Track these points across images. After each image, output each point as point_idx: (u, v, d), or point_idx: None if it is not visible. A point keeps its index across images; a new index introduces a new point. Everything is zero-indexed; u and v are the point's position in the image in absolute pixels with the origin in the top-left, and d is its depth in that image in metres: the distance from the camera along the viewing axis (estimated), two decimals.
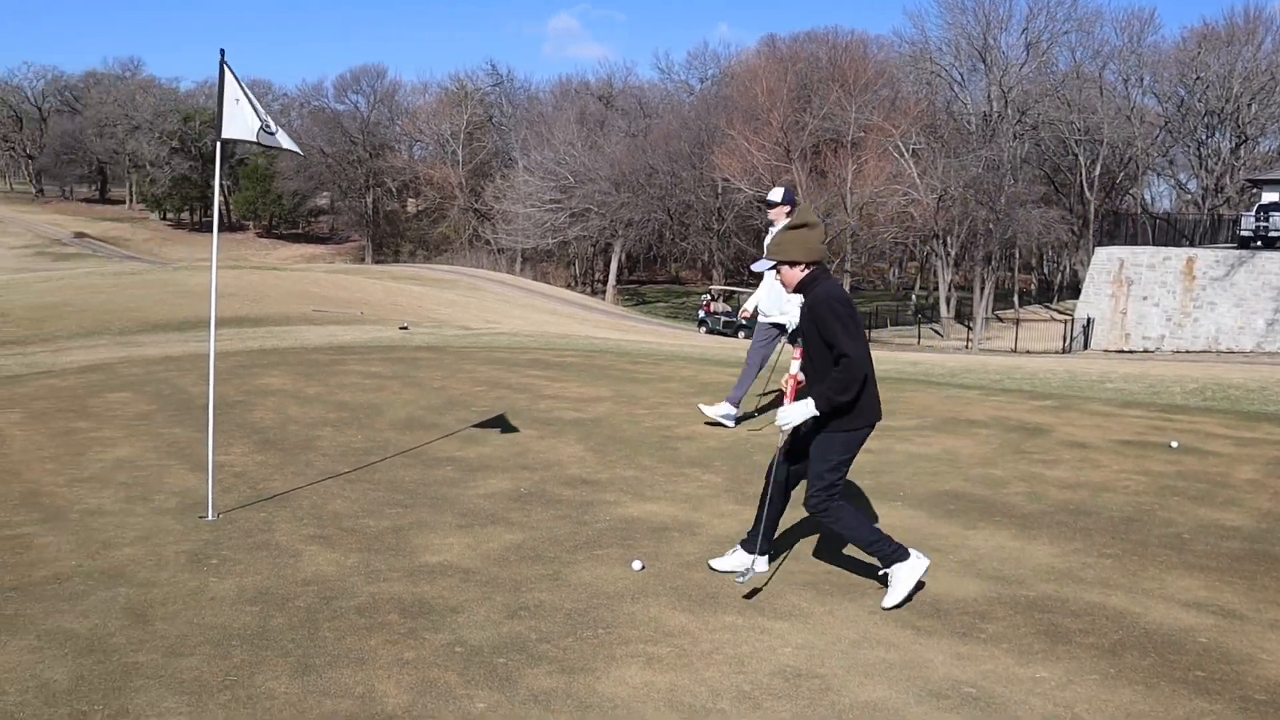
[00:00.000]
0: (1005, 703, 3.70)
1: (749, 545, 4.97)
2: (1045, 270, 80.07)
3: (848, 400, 4.57)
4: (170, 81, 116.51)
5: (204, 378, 10.51)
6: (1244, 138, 61.06)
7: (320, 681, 3.75)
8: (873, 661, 4.00)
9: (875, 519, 6.04)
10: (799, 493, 4.88)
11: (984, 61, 61.87)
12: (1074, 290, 70.71)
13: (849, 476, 5.01)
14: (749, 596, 4.70)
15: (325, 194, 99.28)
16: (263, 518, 5.94)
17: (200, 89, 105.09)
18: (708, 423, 8.91)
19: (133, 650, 3.95)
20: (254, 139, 5.72)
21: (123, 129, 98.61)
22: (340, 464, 7.44)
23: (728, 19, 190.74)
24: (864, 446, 4.87)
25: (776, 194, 8.74)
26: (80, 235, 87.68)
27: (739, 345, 24.16)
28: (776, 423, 4.59)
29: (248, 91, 5.69)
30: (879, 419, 4.85)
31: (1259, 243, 40.42)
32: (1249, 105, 59.44)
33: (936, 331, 54.63)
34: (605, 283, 73.25)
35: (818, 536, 5.62)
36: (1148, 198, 72.24)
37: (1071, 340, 44.18)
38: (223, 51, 5.62)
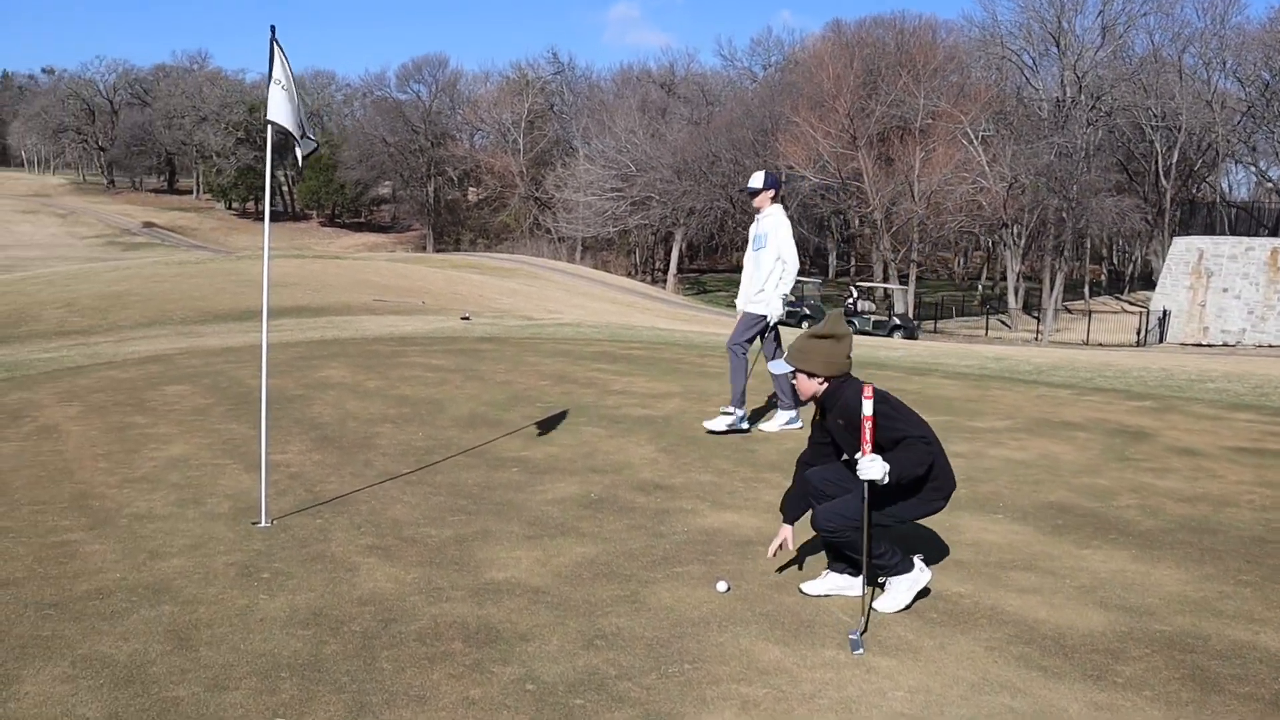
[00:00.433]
0: None
1: (842, 566, 4.50)
2: (1115, 260, 78.07)
3: (919, 474, 4.29)
4: (236, 73, 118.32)
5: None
6: None
7: None
8: (999, 711, 3.50)
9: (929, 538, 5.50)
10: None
11: (1057, 45, 60.19)
12: (1145, 281, 68.84)
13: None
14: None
15: (387, 183, 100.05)
16: (318, 525, 5.59)
17: (265, 80, 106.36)
18: (713, 431, 8.14)
19: (173, 682, 3.58)
20: (289, 128, 5.35)
21: (190, 120, 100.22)
22: (400, 464, 7.09)
23: (790, 5, 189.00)
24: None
25: (757, 179, 8.12)
26: (149, 225, 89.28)
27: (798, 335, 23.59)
28: (860, 473, 4.13)
29: (291, 78, 5.33)
30: (953, 488, 4.53)
31: None
32: None
33: (1004, 323, 53.38)
34: (666, 271, 72.76)
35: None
36: (1225, 186, 69.99)
37: (1146, 333, 42.85)
38: (273, 29, 5.25)
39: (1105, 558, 5.15)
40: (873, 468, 4.06)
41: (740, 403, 8.21)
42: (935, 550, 5.16)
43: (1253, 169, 68.84)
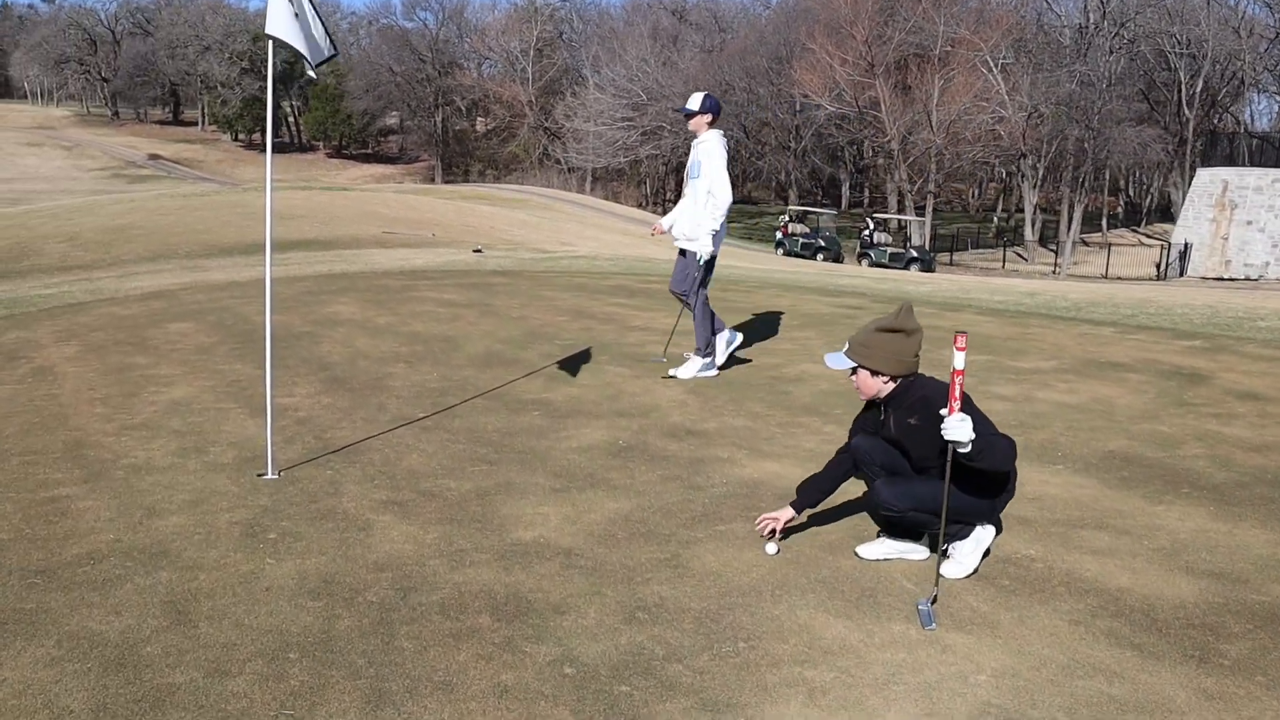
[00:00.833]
0: None
1: (899, 532, 4.08)
2: (1131, 193, 76.79)
3: (1005, 468, 3.84)
4: (239, 1, 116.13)
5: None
6: None
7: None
8: (1098, 700, 3.10)
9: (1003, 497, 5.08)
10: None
11: None
12: (1163, 214, 67.69)
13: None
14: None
15: (394, 114, 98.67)
16: (328, 476, 5.19)
17: None
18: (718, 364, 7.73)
19: (168, 665, 3.19)
20: (288, 40, 4.82)
21: (194, 50, 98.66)
22: (415, 407, 6.68)
23: None
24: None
25: (694, 100, 7.33)
26: (154, 157, 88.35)
27: (829, 270, 23.01)
28: (944, 433, 3.64)
29: None
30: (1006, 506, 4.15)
31: None
32: None
33: (1020, 255, 52.58)
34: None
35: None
36: (1247, 116, 68.47)
37: (1167, 266, 42.09)
38: None
39: (1181, 515, 4.73)
40: (962, 427, 3.59)
41: (711, 343, 7.67)
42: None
43: (1277, 98, 67.31)
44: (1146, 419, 6.48)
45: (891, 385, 3.94)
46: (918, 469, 4.00)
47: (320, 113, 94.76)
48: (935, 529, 3.94)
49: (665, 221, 7.74)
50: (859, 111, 58.35)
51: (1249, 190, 40.70)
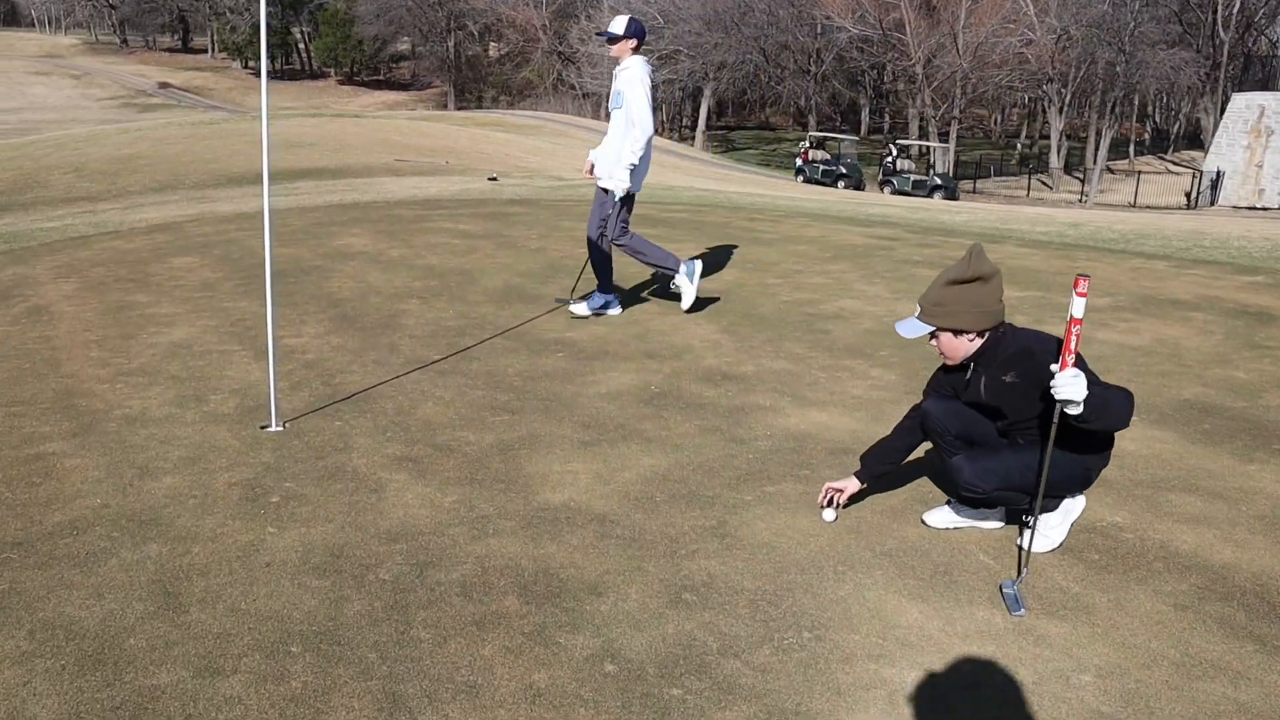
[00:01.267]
0: None
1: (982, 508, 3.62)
2: (1159, 118, 74.95)
3: (1122, 426, 3.25)
4: None
5: (277, 238, 9.38)
6: None
7: None
8: (1224, 709, 2.67)
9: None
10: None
11: None
12: (1191, 140, 66.05)
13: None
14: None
15: (406, 39, 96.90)
16: (337, 428, 4.77)
17: None
18: (688, 307, 7.20)
19: (154, 663, 2.79)
20: None
21: None
22: (429, 348, 6.24)
23: None
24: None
25: (617, 24, 6.63)
26: (164, 85, 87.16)
27: (855, 199, 22.31)
28: (1055, 390, 3.14)
29: None
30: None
31: None
32: None
33: (1045, 183, 51.43)
34: (694, 128, 70.55)
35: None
36: None
37: (1198, 195, 41.00)
38: None
39: (1278, 476, 4.27)
40: (1075, 384, 3.08)
41: (675, 269, 7.11)
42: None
43: None
44: (1219, 363, 5.99)
45: (979, 342, 3.45)
46: (1004, 433, 3.53)
47: (331, 39, 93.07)
48: (1024, 506, 3.50)
49: (591, 156, 7.02)
50: (882, 34, 56.76)
51: None
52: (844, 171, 43.30)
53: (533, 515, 3.80)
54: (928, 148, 47.84)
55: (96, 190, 16.91)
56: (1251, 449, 4.57)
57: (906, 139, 52.98)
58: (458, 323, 6.94)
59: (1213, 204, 39.93)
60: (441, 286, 8.10)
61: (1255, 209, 38.10)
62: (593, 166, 6.96)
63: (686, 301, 7.19)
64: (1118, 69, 50.35)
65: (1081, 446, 3.35)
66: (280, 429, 4.75)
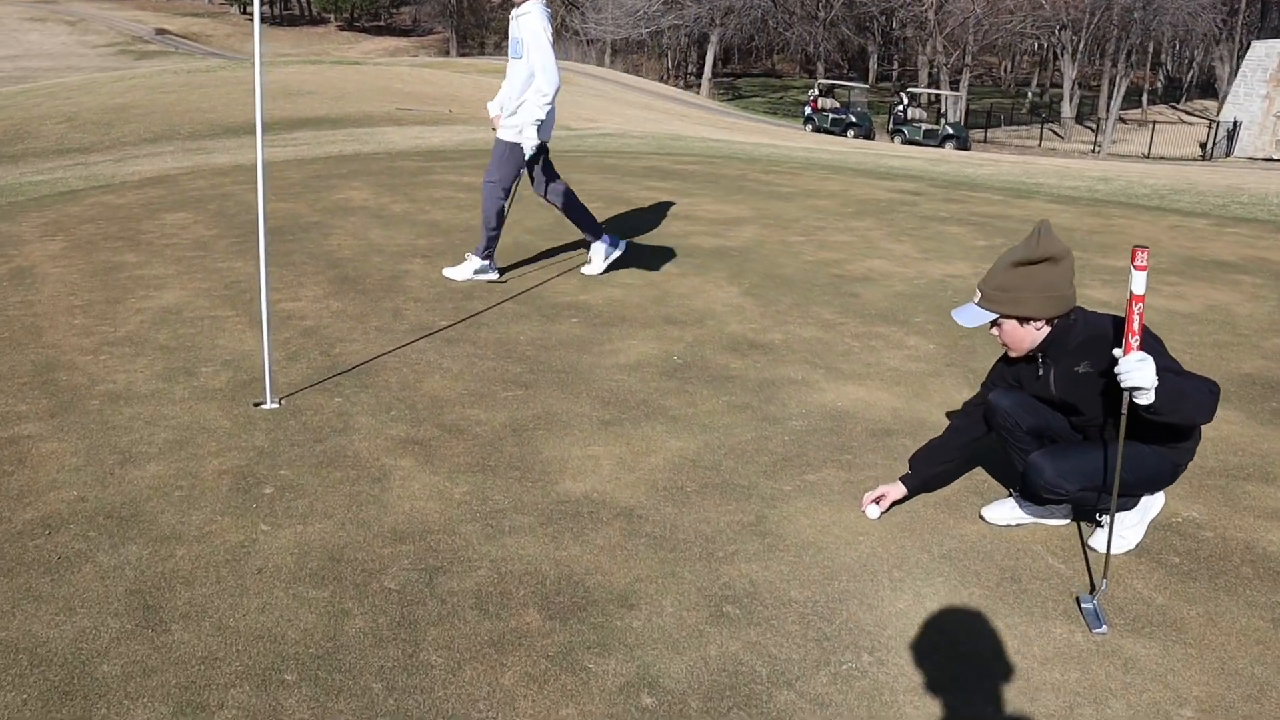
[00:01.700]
0: None
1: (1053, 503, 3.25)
2: (1171, 67, 73.64)
3: (1203, 420, 2.87)
4: None
5: (274, 192, 9.01)
6: None
7: None
8: None
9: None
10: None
11: None
12: (1204, 89, 64.91)
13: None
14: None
15: None
16: (337, 405, 4.41)
17: None
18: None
19: (129, 696, 2.46)
20: None
21: None
22: (435, 314, 5.87)
23: None
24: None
25: None
26: (162, 32, 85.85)
27: (872, 149, 21.78)
28: (1120, 377, 2.76)
29: None
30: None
31: None
32: None
33: (1056, 133, 50.57)
34: (700, 76, 69.45)
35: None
36: None
37: (1213, 146, 40.27)
38: None
39: None
40: (1142, 369, 2.70)
41: (597, 234, 6.70)
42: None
43: None
44: (1276, 332, 5.61)
45: (1047, 330, 3.06)
46: (1079, 428, 3.16)
47: None
48: (1104, 505, 3.14)
49: (492, 107, 6.42)
50: None
51: None
52: (854, 120, 42.48)
53: (552, 509, 3.46)
54: (937, 96, 46.99)
55: (89, 141, 16.45)
56: None
57: (916, 87, 52.07)
58: (464, 285, 6.56)
59: (1228, 155, 39.22)
60: (447, 244, 7.71)
61: (1273, 160, 37.40)
62: (494, 115, 6.41)
63: (591, 269, 6.75)
64: (1135, 14, 49.28)
65: (1167, 438, 2.99)
66: (275, 406, 4.40)
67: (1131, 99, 58.28)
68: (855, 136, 40.81)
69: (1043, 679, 2.57)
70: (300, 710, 2.41)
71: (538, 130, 6.22)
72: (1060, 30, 52.21)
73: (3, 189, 11.08)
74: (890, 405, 4.48)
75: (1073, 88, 52.71)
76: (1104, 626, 2.77)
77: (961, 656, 2.66)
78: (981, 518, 3.40)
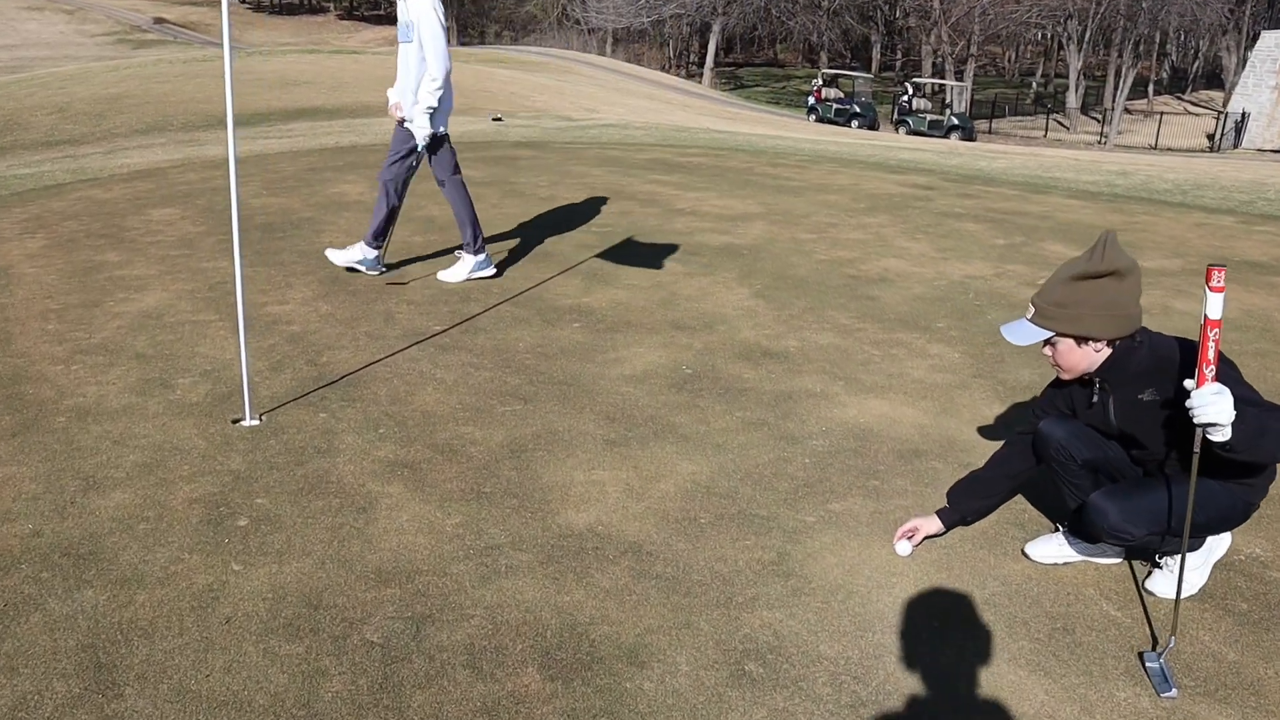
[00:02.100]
0: None
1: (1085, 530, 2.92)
2: (1176, 57, 73.15)
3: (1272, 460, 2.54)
4: None
5: (266, 186, 8.68)
6: None
7: None
8: None
9: None
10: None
11: None
12: (1210, 79, 64.44)
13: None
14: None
15: None
16: (321, 422, 4.10)
17: None
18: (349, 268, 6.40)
19: None
20: None
21: None
22: (429, 318, 5.57)
23: None
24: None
25: None
26: (160, 21, 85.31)
27: (880, 141, 21.42)
28: (1193, 412, 2.43)
29: None
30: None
31: None
32: None
33: (1062, 123, 50.15)
34: (702, 65, 68.98)
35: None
36: None
37: (1221, 137, 39.85)
38: None
39: None
40: (1218, 403, 2.37)
41: (376, 242, 6.26)
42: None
43: None
44: None
45: (1108, 352, 2.74)
46: (1138, 461, 2.85)
47: None
48: (1168, 548, 2.83)
49: (392, 95, 6.04)
50: None
51: None
52: (858, 110, 42.06)
53: (553, 545, 3.15)
54: (942, 86, 46.55)
55: (80, 133, 16.11)
56: None
57: (920, 77, 51.65)
58: (461, 286, 6.25)
59: (1236, 146, 38.83)
60: (443, 242, 7.39)
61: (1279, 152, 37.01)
62: (393, 105, 6.02)
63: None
64: (1142, 3, 48.82)
65: (1239, 474, 2.68)
66: (255, 423, 4.09)
67: (1136, 89, 57.81)
68: (859, 127, 40.42)
69: None
70: None
71: (431, 119, 5.88)
72: (1066, 20, 51.76)
73: None
74: (916, 422, 4.17)
75: (1078, 78, 52.28)
76: (1173, 690, 2.46)
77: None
78: (1025, 555, 3.09)
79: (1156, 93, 61.13)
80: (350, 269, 6.44)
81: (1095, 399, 2.82)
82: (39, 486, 3.50)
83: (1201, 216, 8.61)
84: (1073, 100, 51.69)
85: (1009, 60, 75.61)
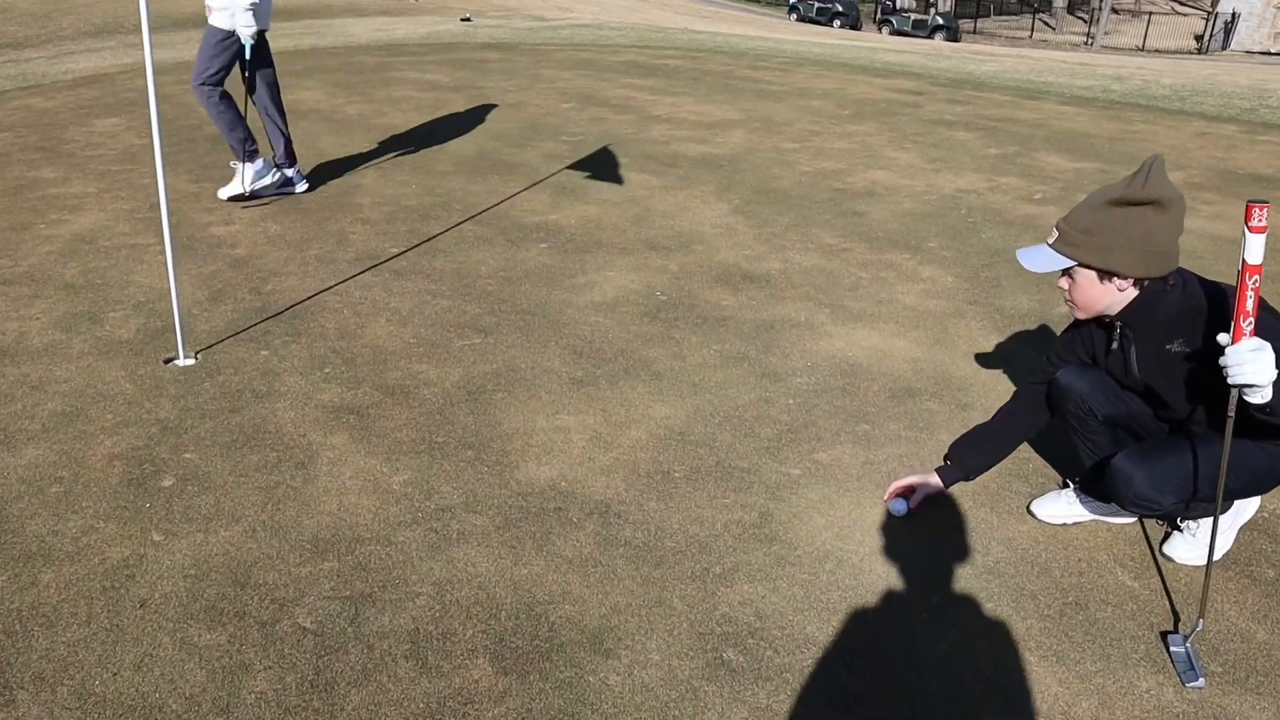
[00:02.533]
0: None
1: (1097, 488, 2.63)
2: None
3: None
4: None
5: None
6: None
7: None
8: None
9: None
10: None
11: None
12: None
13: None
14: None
15: None
16: (262, 361, 3.76)
17: None
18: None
19: None
20: None
21: None
22: (386, 237, 5.19)
23: None
24: None
25: None
26: None
27: (864, 42, 20.71)
28: (1227, 371, 2.10)
29: None
30: None
31: None
32: None
33: (1047, 23, 48.97)
34: None
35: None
36: None
37: (1210, 39, 38.99)
38: None
39: None
40: (1256, 361, 2.03)
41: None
42: None
43: None
44: None
45: (1133, 293, 2.40)
46: (1162, 418, 2.55)
47: None
48: (1195, 513, 2.55)
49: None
50: None
51: None
52: (840, 9, 40.90)
53: (511, 505, 2.84)
54: None
55: (24, 35, 15.28)
56: None
57: None
58: (421, 200, 5.86)
59: (1224, 48, 38.06)
60: (403, 154, 6.96)
61: (1270, 54, 36.30)
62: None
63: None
64: None
65: (1274, 434, 2.38)
66: (190, 362, 3.74)
67: None
68: (841, 26, 39.36)
69: None
70: None
71: (254, 15, 5.29)
72: None
73: None
74: (909, 355, 3.87)
75: None
76: (1200, 679, 2.20)
77: (1025, 716, 2.09)
78: (1031, 514, 2.82)
79: None
80: (282, 193, 5.96)
81: (1115, 345, 2.51)
82: None
83: (1202, 125, 8.23)
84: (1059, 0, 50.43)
85: None
